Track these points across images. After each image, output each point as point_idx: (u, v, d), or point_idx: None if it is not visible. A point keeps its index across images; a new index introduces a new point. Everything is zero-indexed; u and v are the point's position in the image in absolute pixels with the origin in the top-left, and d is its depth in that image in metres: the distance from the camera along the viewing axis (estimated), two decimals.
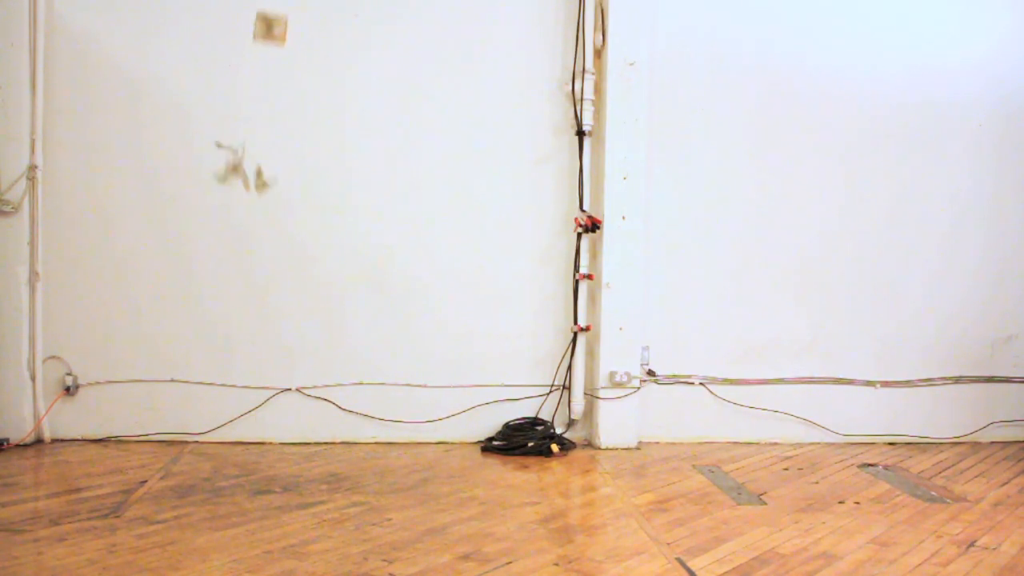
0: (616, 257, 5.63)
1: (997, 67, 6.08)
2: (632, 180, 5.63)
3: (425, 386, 5.68)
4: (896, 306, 6.05)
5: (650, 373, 5.83)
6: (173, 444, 5.41)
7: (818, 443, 5.92)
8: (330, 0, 5.56)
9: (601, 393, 5.63)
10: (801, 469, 5.21)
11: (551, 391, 5.78)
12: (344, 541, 3.65)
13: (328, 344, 5.62)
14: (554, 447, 5.41)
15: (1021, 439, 6.12)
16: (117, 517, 3.89)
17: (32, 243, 5.28)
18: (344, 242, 5.61)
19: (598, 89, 5.70)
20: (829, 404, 5.99)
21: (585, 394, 5.75)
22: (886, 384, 6.05)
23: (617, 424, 5.65)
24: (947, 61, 6.03)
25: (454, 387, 5.68)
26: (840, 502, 4.49)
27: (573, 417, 5.76)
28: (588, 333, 5.74)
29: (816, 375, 6.00)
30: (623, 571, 3.40)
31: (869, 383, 6.03)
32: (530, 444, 5.41)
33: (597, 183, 5.69)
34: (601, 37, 5.67)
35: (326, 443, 5.57)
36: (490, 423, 5.69)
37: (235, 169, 5.45)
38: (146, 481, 4.54)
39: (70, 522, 3.79)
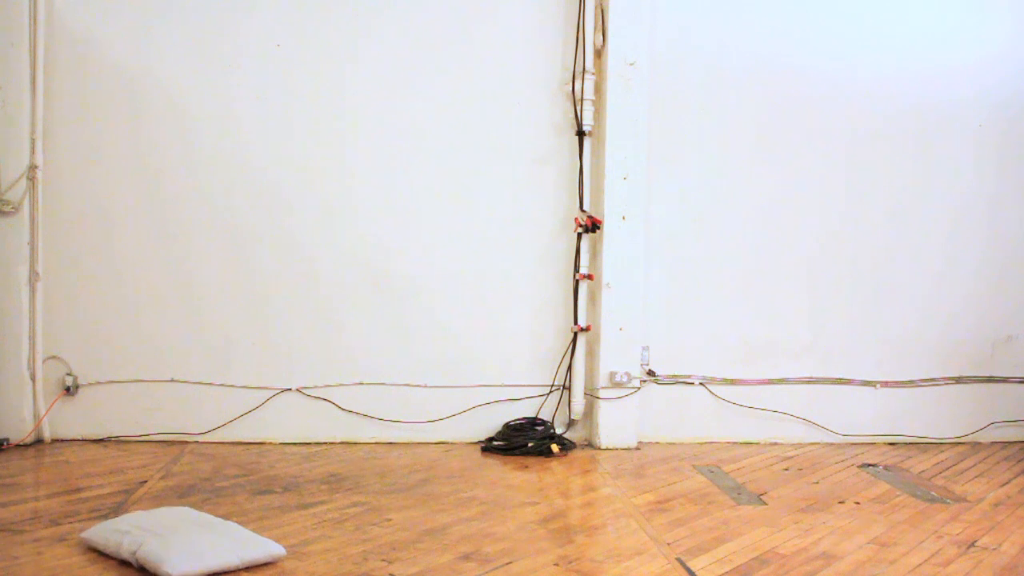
0: (616, 257, 5.63)
1: (998, 68, 6.08)
2: (632, 180, 5.63)
3: (425, 386, 5.68)
4: (897, 306, 6.05)
5: (650, 373, 5.83)
6: (173, 444, 5.41)
7: (818, 443, 5.92)
8: (328, 0, 5.57)
9: (601, 393, 5.63)
10: (801, 469, 5.21)
11: (551, 391, 5.78)
12: (344, 541, 3.65)
13: (328, 344, 5.61)
14: (554, 447, 5.41)
15: (1021, 439, 6.12)
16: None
17: (32, 243, 5.28)
18: (344, 242, 5.61)
19: (598, 89, 5.70)
20: (829, 404, 5.99)
21: (585, 394, 5.75)
22: (886, 384, 6.05)
23: (617, 424, 5.65)
24: (948, 62, 6.04)
25: (454, 387, 5.68)
26: (840, 502, 4.48)
27: (573, 417, 5.76)
28: (588, 333, 5.74)
29: (816, 375, 6.00)
30: (623, 571, 3.40)
31: (869, 383, 6.03)
32: (530, 444, 5.41)
33: (597, 183, 5.69)
34: (601, 37, 5.67)
35: (326, 443, 5.57)
36: (490, 423, 5.69)
37: None
38: (146, 481, 4.54)
39: (70, 522, 3.78)
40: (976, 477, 5.13)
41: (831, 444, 5.91)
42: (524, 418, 5.70)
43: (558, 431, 5.69)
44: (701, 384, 5.91)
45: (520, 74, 5.72)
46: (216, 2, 5.47)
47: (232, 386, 5.53)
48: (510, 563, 3.43)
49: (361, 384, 5.64)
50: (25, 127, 5.23)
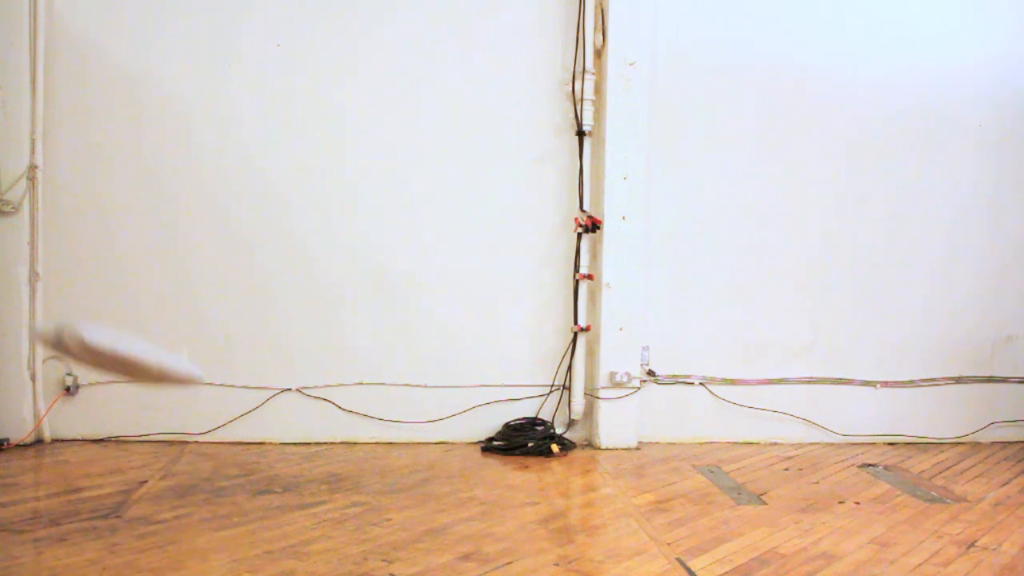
0: (616, 257, 5.64)
1: (998, 68, 6.08)
2: (632, 180, 5.63)
3: (425, 386, 5.68)
4: (897, 306, 6.05)
5: (650, 373, 5.83)
6: (173, 444, 5.41)
7: (818, 443, 5.92)
8: (328, 0, 5.58)
9: (601, 393, 5.63)
10: (801, 469, 5.21)
11: (551, 391, 5.78)
12: (344, 541, 3.65)
13: (328, 344, 5.61)
14: (554, 447, 5.42)
15: (1021, 439, 6.12)
16: (117, 517, 3.88)
17: (32, 243, 5.28)
18: (344, 241, 5.61)
19: (598, 89, 5.70)
20: (829, 404, 5.99)
21: (585, 394, 5.75)
22: (886, 384, 6.05)
23: (617, 424, 5.65)
24: (948, 61, 6.04)
25: (454, 387, 5.68)
26: (840, 502, 4.49)
27: (573, 417, 5.76)
28: (588, 333, 5.74)
29: (816, 375, 6.00)
30: (623, 571, 3.40)
31: (869, 383, 6.03)
32: (530, 444, 5.41)
33: (597, 183, 5.69)
34: (601, 37, 5.67)
35: (326, 443, 5.57)
36: (490, 423, 5.69)
37: None
38: (146, 481, 4.54)
39: (70, 522, 3.78)
40: (976, 477, 5.13)
41: (831, 444, 5.91)
42: (524, 418, 5.70)
43: (558, 431, 5.69)
44: (701, 384, 5.91)
45: (520, 74, 5.72)
46: (216, 2, 5.47)
47: (232, 386, 5.53)
48: (510, 563, 3.43)
49: (361, 384, 5.64)
50: (25, 127, 5.23)
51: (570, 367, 5.74)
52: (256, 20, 5.51)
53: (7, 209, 5.21)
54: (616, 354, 5.63)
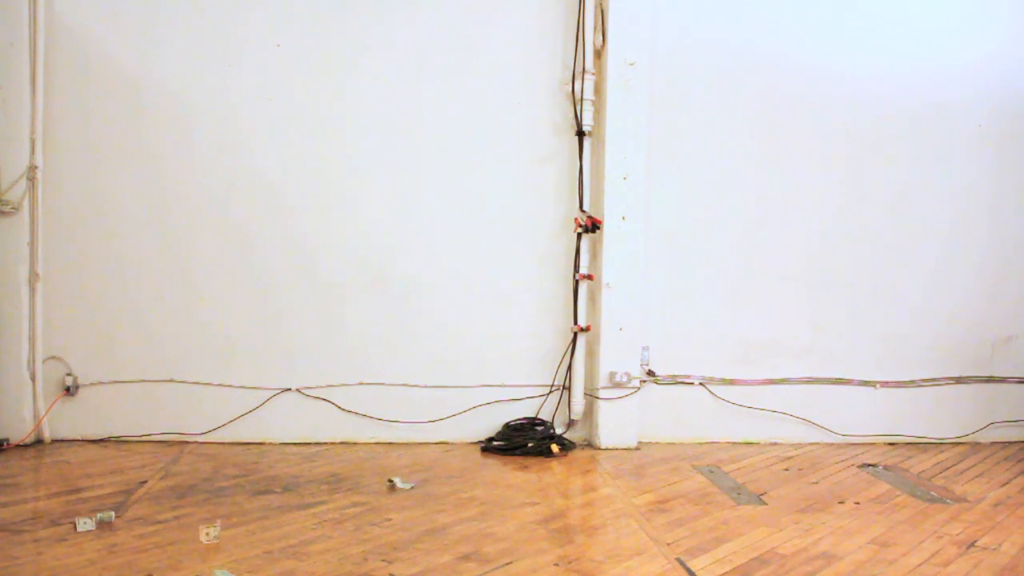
0: (616, 257, 5.63)
1: (998, 67, 6.08)
2: (632, 180, 5.63)
3: (425, 386, 5.68)
4: (896, 306, 6.05)
5: (650, 373, 5.83)
6: (173, 444, 5.41)
7: (818, 443, 5.92)
8: (329, 0, 5.58)
9: (601, 393, 5.63)
10: (801, 469, 5.21)
11: (551, 391, 5.78)
12: (344, 541, 3.65)
13: (328, 344, 5.61)
14: (554, 447, 5.41)
15: (1021, 439, 6.12)
16: (117, 517, 3.88)
17: (32, 243, 5.28)
18: (344, 242, 5.62)
19: (598, 89, 5.70)
20: (829, 404, 5.99)
21: (585, 394, 5.75)
22: (886, 384, 6.05)
23: (617, 424, 5.65)
24: (948, 61, 6.03)
25: (454, 387, 5.68)
26: (840, 502, 4.48)
27: (573, 417, 5.76)
28: (588, 333, 5.74)
29: (816, 375, 6.00)
30: (623, 571, 3.40)
31: (869, 383, 6.03)
32: (530, 444, 5.41)
33: (597, 183, 5.69)
34: (601, 37, 5.67)
35: (326, 443, 5.57)
36: (490, 423, 5.69)
37: None
38: (146, 481, 4.54)
39: (70, 522, 3.78)
40: (976, 477, 5.13)
41: (831, 444, 5.91)
42: (524, 418, 5.70)
43: (558, 431, 5.69)
44: (701, 384, 5.91)
45: (520, 74, 5.72)
46: (216, 2, 5.48)
47: (232, 386, 5.53)
48: (510, 563, 3.43)
49: (361, 384, 5.64)
50: (25, 127, 5.23)
51: (570, 367, 5.74)
52: (256, 20, 5.52)
53: (7, 209, 5.21)
54: (616, 354, 5.63)
